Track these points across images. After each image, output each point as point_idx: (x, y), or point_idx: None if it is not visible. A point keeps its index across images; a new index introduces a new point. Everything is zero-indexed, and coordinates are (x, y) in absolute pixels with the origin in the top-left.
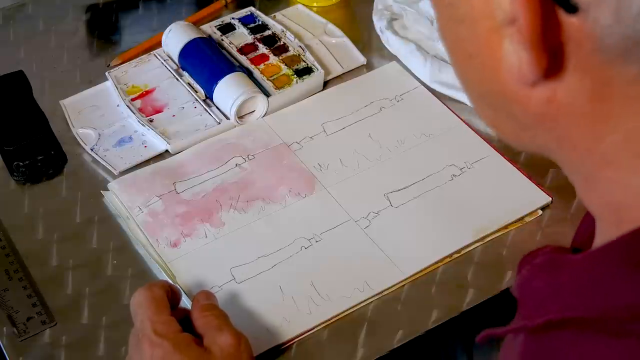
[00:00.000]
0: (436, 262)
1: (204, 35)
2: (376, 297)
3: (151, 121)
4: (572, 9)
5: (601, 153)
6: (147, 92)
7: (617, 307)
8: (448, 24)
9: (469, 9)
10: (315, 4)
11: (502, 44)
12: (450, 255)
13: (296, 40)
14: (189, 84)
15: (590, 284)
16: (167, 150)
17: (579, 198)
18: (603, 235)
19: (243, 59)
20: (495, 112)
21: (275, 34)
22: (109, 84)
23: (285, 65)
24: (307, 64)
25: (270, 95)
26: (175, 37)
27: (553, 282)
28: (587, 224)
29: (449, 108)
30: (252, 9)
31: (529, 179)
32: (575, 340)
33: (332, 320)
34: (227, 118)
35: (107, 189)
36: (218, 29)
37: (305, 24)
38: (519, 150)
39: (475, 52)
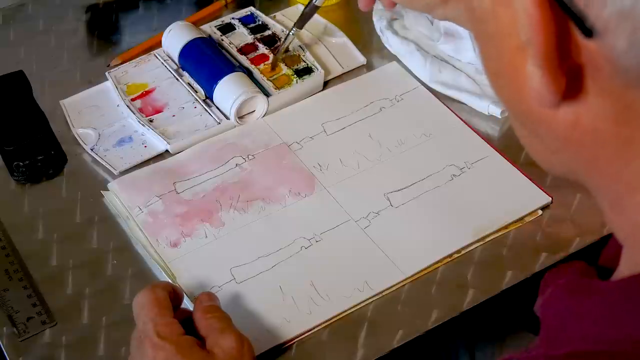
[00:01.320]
0: (436, 262)
1: (204, 35)
2: (376, 297)
3: (151, 121)
4: (589, 33)
5: (629, 177)
6: (147, 92)
7: None
8: (479, 40)
9: (496, 27)
10: None
11: (525, 64)
12: (450, 255)
13: (296, 40)
14: (189, 84)
15: (615, 315)
16: (167, 150)
17: (608, 225)
18: (629, 262)
19: (243, 59)
20: (528, 132)
21: (275, 34)
22: (109, 84)
23: (285, 65)
24: (307, 64)
25: (270, 95)
26: (175, 37)
27: (577, 307)
28: (615, 245)
29: (449, 108)
30: (252, 9)
31: (529, 179)
32: None
33: (332, 320)
34: (227, 118)
35: (107, 189)
36: (218, 29)
37: (306, 24)
38: (554, 176)
39: (501, 70)
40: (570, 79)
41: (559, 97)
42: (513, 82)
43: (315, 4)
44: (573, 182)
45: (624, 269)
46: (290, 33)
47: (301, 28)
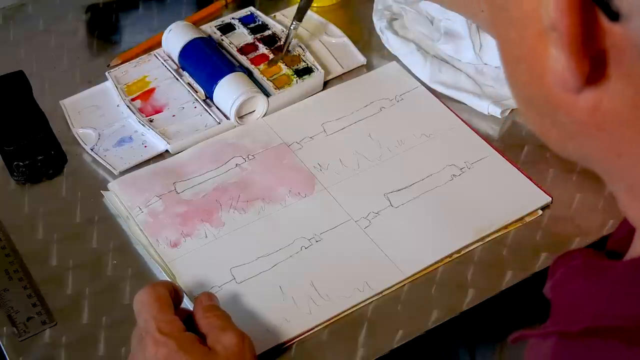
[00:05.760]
0: (436, 262)
1: (204, 35)
2: (376, 297)
3: (151, 121)
4: (614, 17)
5: None
6: (147, 92)
7: None
8: (500, 27)
9: (519, 13)
10: (315, 4)
11: (548, 49)
12: (450, 255)
13: (296, 40)
14: (189, 84)
15: (632, 292)
16: (167, 150)
17: (621, 209)
18: None
19: (243, 59)
20: (541, 118)
21: (275, 34)
22: (109, 84)
23: (285, 65)
24: (307, 64)
25: (270, 95)
26: (175, 37)
27: (591, 286)
28: (625, 229)
29: (449, 108)
30: (252, 9)
31: (529, 179)
32: (611, 349)
33: (332, 320)
34: (227, 118)
35: (107, 189)
36: (218, 29)
37: (305, 24)
38: (569, 160)
39: (522, 56)
40: (593, 63)
41: (582, 82)
42: (534, 67)
43: None
44: (585, 170)
45: (638, 252)
46: (291, 28)
47: (301, 20)
